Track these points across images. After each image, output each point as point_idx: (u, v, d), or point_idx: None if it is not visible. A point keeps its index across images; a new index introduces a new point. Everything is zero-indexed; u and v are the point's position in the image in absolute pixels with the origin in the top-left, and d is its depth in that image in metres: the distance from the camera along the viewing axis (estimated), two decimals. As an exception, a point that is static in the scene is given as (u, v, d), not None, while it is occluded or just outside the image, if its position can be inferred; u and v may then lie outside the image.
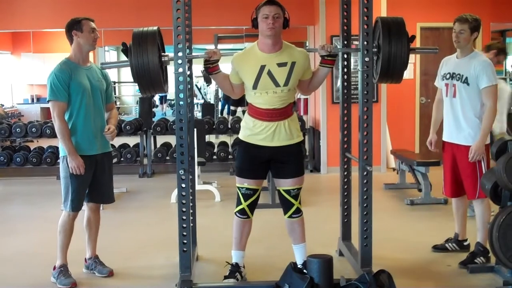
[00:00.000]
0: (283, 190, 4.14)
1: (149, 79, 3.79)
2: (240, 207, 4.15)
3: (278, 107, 4.03)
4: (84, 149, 4.29)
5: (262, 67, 3.98)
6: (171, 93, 18.10)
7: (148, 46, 3.74)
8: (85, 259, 4.62)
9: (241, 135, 4.20)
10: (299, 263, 4.14)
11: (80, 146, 4.27)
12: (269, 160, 4.14)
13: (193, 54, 4.36)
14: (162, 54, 3.90)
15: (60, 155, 4.37)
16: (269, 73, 3.98)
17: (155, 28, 3.86)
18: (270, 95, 4.00)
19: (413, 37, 3.95)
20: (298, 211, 4.17)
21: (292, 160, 4.13)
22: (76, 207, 4.33)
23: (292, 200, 4.13)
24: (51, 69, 4.28)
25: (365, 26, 3.91)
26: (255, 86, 4.00)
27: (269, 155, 4.10)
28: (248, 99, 4.14)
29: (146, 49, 3.73)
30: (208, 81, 14.19)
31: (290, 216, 4.17)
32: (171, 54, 3.85)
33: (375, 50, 4.02)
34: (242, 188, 4.13)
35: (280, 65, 3.99)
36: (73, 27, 4.32)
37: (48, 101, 4.25)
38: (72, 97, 4.24)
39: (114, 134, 4.46)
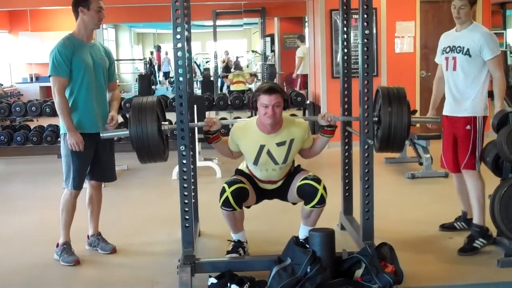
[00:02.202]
0: (302, 179, 4.07)
1: (149, 150, 3.78)
2: (223, 196, 4.02)
3: (276, 179, 4.20)
4: (86, 126, 4.27)
5: (262, 147, 4.04)
6: (173, 69, 17.79)
7: (148, 116, 3.72)
8: (88, 236, 4.64)
9: (241, 168, 4.35)
10: (302, 237, 4.15)
11: (81, 123, 4.25)
12: (270, 195, 4.33)
13: (194, 123, 4.36)
14: (162, 123, 3.88)
15: (60, 133, 4.35)
16: (269, 153, 4.05)
17: (155, 98, 3.88)
18: (270, 171, 4.13)
19: (415, 111, 3.97)
20: (322, 201, 4.03)
21: (292, 173, 4.24)
22: (77, 185, 4.33)
23: (315, 184, 4.01)
24: (53, 46, 4.23)
25: (365, -1, 3.88)
26: (255, 163, 4.10)
27: (269, 192, 4.30)
28: (247, 164, 4.24)
29: (145, 119, 3.71)
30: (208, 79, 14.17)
31: (313, 206, 4.06)
32: (173, 125, 3.87)
33: (376, 119, 4.00)
34: (230, 179, 4.09)
35: (279, 144, 4.05)
36: (80, 3, 4.26)
37: (49, 77, 4.21)
38: (74, 73, 4.20)
39: (117, 123, 4.46)
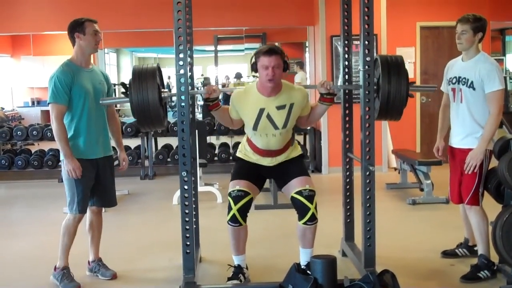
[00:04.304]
0: (295, 193, 4.07)
1: (149, 116, 3.80)
2: (230, 213, 4.06)
3: (276, 148, 4.18)
4: (87, 152, 4.27)
5: (262, 110, 4.05)
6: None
7: (148, 83, 3.74)
8: (88, 261, 4.61)
9: (239, 155, 4.33)
10: (303, 264, 4.13)
11: (83, 149, 4.25)
12: (269, 174, 4.28)
13: (194, 90, 4.37)
14: (162, 90, 3.90)
15: (61, 158, 4.32)
16: (268, 116, 4.05)
17: (155, 65, 3.89)
18: (270, 137, 4.12)
19: (413, 83, 4.00)
20: (313, 219, 4.06)
21: (293, 165, 4.22)
22: (82, 209, 4.32)
23: (307, 203, 4.03)
24: (53, 71, 4.24)
25: (366, 26, 3.89)
26: (255, 128, 4.10)
27: (268, 171, 4.25)
28: (247, 133, 4.25)
29: (146, 86, 3.73)
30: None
31: (304, 223, 4.08)
32: (173, 93, 3.88)
33: (375, 87, 4.01)
34: (233, 191, 4.08)
35: (279, 108, 4.06)
36: (76, 29, 4.26)
37: (48, 104, 4.21)
38: (74, 100, 4.20)
39: (127, 163, 4.61)
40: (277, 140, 4.14)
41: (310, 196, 4.05)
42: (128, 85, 3.80)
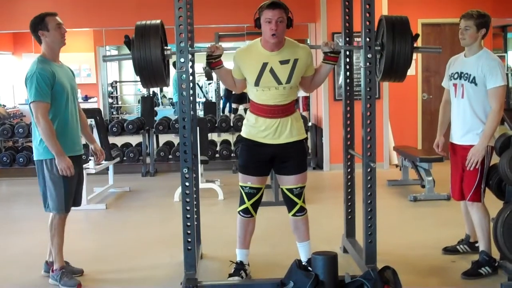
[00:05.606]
0: (286, 189, 4.13)
1: (151, 72, 3.78)
2: (243, 206, 4.14)
3: (280, 103, 4.01)
4: (71, 150, 4.24)
5: (265, 65, 3.95)
6: (171, 92, 17.92)
7: (151, 39, 3.72)
8: (47, 262, 4.55)
9: (244, 133, 4.20)
10: (304, 260, 4.13)
11: (69, 147, 4.20)
12: (272, 158, 4.11)
13: (196, 49, 4.36)
14: (165, 47, 3.89)
15: (38, 158, 4.22)
16: (271, 71, 3.95)
17: (158, 21, 3.85)
18: (273, 92, 3.98)
19: (417, 35, 3.93)
20: (302, 210, 4.16)
21: (295, 158, 4.11)
22: (68, 208, 4.31)
23: (295, 199, 4.12)
24: (29, 69, 4.11)
25: (367, 23, 3.90)
26: (257, 83, 3.99)
27: (272, 153, 4.09)
28: (250, 95, 4.12)
29: (149, 42, 3.71)
30: (209, 78, 14.16)
31: (294, 215, 4.17)
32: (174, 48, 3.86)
33: (379, 48, 3.99)
34: (246, 187, 4.11)
35: (283, 62, 3.96)
36: (38, 26, 4.18)
37: (31, 103, 4.08)
38: (57, 97, 4.12)
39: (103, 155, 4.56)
40: (280, 94, 3.99)
41: (299, 193, 4.14)
42: (131, 41, 3.77)
